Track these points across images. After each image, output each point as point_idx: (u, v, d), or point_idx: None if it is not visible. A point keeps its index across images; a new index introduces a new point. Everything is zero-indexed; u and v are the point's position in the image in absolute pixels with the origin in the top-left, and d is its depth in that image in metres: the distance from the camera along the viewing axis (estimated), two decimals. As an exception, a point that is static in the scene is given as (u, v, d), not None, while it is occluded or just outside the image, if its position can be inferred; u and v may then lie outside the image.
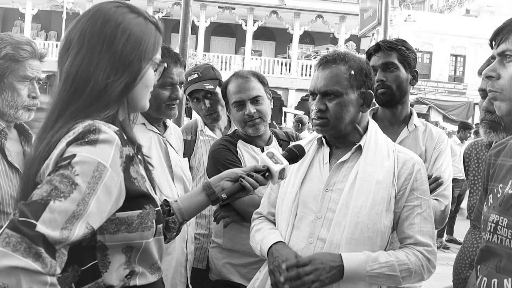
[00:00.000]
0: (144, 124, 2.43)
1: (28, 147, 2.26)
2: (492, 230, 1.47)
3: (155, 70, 1.53)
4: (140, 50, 1.42)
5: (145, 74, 1.46)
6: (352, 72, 1.95)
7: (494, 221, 1.46)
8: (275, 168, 1.83)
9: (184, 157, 2.91)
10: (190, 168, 3.06)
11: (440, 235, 8.72)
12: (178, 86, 2.44)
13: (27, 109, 2.19)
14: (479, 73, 2.27)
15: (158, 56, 1.51)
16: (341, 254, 1.80)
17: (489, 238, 1.49)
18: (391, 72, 2.52)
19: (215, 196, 1.83)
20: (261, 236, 2.08)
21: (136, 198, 1.37)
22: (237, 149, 2.61)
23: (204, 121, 3.20)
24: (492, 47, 1.57)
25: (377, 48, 2.57)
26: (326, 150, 2.07)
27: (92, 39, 1.38)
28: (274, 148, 2.64)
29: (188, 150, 3.09)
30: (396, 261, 1.81)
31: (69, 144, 1.26)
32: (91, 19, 1.41)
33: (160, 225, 1.48)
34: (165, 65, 1.61)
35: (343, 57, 1.98)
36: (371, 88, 2.02)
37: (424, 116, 27.52)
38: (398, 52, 2.54)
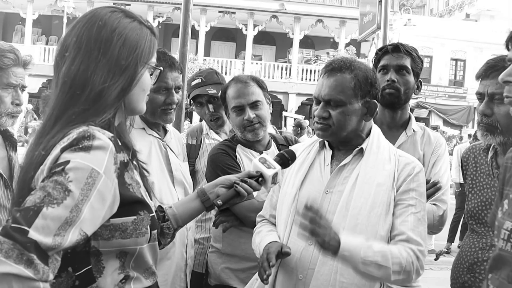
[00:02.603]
0: (143, 128, 2.43)
1: (13, 152, 2.28)
2: (506, 238, 1.40)
3: (151, 74, 1.54)
4: (136, 54, 1.43)
5: (141, 78, 1.46)
6: (357, 82, 1.94)
7: (509, 229, 1.40)
8: (268, 173, 1.85)
9: (189, 160, 2.92)
10: (196, 172, 3.07)
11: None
12: (173, 91, 2.44)
13: (11, 116, 2.21)
14: (477, 77, 2.28)
15: (153, 60, 1.52)
16: (339, 235, 1.74)
17: (502, 246, 1.41)
18: (403, 75, 2.54)
19: (210, 202, 1.83)
20: (260, 238, 2.08)
21: (130, 204, 1.37)
22: (236, 153, 2.60)
23: (209, 125, 3.20)
24: (508, 49, 1.45)
25: (396, 49, 2.58)
26: (328, 152, 2.07)
27: (88, 44, 1.39)
28: (274, 153, 2.65)
29: (194, 153, 3.09)
30: (389, 253, 1.77)
31: (63, 150, 1.26)
32: (86, 24, 1.42)
33: (155, 231, 1.48)
34: (161, 69, 1.61)
35: (349, 65, 1.97)
36: (376, 97, 2.01)
37: (425, 120, 27.52)
38: (412, 58, 2.58)
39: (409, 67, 2.56)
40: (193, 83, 3.15)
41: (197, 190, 1.87)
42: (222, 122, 3.17)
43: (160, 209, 1.79)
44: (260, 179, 1.86)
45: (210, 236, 2.86)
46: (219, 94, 3.04)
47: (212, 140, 3.14)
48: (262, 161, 1.87)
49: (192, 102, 3.24)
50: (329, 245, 1.71)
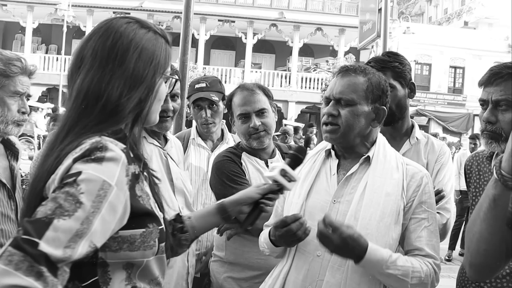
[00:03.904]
0: (144, 137, 2.42)
1: (14, 162, 2.27)
2: None
3: (166, 82, 1.53)
4: (153, 66, 1.42)
5: (158, 89, 1.46)
6: (370, 85, 1.95)
7: None
8: (289, 187, 1.83)
9: None
10: None
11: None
12: (169, 98, 2.44)
13: (17, 124, 2.20)
14: (480, 84, 2.27)
15: (169, 69, 1.51)
16: (368, 245, 1.76)
17: None
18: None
19: (230, 219, 1.84)
20: (264, 235, 2.09)
21: (140, 216, 1.36)
22: (242, 161, 2.60)
23: (199, 129, 3.23)
24: None
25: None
26: (334, 161, 2.05)
27: (103, 56, 1.38)
28: (278, 161, 2.64)
29: None
30: (411, 268, 1.80)
31: (75, 160, 1.25)
32: (102, 36, 1.41)
33: (163, 244, 1.46)
34: (176, 77, 1.61)
35: (363, 69, 2.00)
36: (385, 105, 2.01)
37: (424, 127, 27.57)
38: (392, 70, 2.48)
39: (391, 82, 2.43)
40: (197, 86, 3.18)
41: (218, 206, 1.85)
42: (213, 128, 3.19)
43: (179, 219, 1.79)
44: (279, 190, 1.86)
45: (201, 241, 2.87)
46: (219, 102, 3.12)
47: (197, 146, 3.19)
48: (282, 174, 1.83)
49: (191, 103, 3.26)
50: (347, 256, 1.77)
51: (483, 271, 1.52)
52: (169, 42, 1.52)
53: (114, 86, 1.36)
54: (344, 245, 1.73)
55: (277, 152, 2.74)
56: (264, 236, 2.08)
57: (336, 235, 1.73)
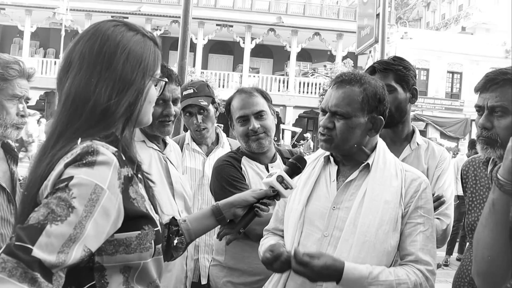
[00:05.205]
0: (144, 141, 2.43)
1: (14, 166, 2.27)
2: None
3: (156, 85, 1.53)
4: (142, 68, 1.42)
5: (148, 91, 1.46)
6: (365, 96, 1.94)
7: None
8: (286, 194, 1.86)
9: None
10: None
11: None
12: (170, 103, 2.44)
13: (16, 127, 2.21)
14: (476, 90, 2.28)
15: (158, 71, 1.51)
16: (344, 265, 1.77)
17: None
18: (388, 94, 2.50)
19: (225, 221, 1.86)
20: (263, 249, 2.08)
21: (135, 218, 1.36)
22: (241, 165, 2.60)
23: (193, 135, 3.23)
24: None
25: (373, 71, 2.54)
26: (333, 168, 2.06)
27: (91, 59, 1.37)
28: (279, 166, 2.65)
29: None
30: (395, 281, 1.79)
31: (67, 165, 1.25)
32: (90, 39, 1.40)
33: (159, 246, 1.46)
34: (166, 80, 1.62)
35: (359, 79, 1.97)
36: (383, 113, 2.01)
37: (422, 132, 27.61)
38: (394, 73, 2.51)
39: (392, 84, 2.49)
40: (185, 93, 3.17)
41: (212, 208, 1.87)
42: (206, 132, 3.19)
43: (174, 222, 1.80)
44: (276, 196, 1.87)
45: (199, 245, 2.86)
46: (209, 106, 3.13)
47: (191, 151, 3.19)
48: (279, 180, 1.86)
49: (181, 111, 3.26)
50: (325, 280, 1.80)
51: (490, 280, 1.52)
52: (158, 44, 1.51)
53: (102, 89, 1.35)
54: (319, 275, 1.77)
55: (278, 157, 2.74)
56: (262, 249, 2.08)
57: (309, 269, 1.75)
